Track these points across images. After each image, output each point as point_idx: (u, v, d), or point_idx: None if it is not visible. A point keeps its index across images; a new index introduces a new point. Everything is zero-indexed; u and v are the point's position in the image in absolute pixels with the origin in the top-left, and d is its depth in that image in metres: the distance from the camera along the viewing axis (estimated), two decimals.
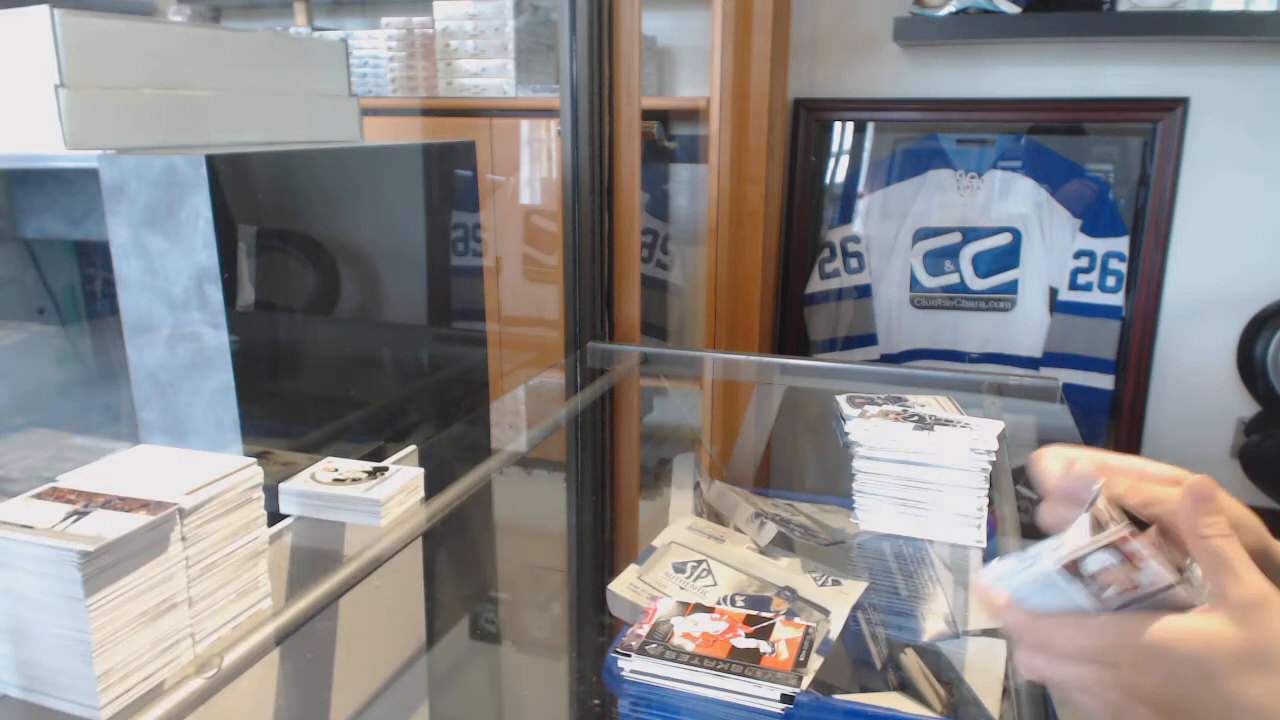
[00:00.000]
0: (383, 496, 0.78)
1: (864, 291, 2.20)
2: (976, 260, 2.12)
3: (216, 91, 0.94)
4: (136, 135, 0.86)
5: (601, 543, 1.06)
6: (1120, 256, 2.02)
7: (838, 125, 2.18)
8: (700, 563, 0.86)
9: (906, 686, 0.72)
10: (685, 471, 1.28)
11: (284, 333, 0.89)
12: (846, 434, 0.94)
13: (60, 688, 0.55)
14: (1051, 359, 2.09)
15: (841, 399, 1.08)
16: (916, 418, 0.94)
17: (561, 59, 1.39)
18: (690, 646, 0.66)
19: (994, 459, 0.88)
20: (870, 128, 2.16)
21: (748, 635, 0.68)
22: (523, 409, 1.38)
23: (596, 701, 0.69)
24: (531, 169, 2.06)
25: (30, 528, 0.54)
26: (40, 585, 0.53)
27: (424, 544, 0.86)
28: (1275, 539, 0.54)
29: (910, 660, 0.75)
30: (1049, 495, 0.51)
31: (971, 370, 2.10)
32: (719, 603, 0.79)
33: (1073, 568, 0.42)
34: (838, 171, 2.21)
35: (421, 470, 0.84)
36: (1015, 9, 1.85)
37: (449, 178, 1.18)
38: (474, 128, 2.07)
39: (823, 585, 0.82)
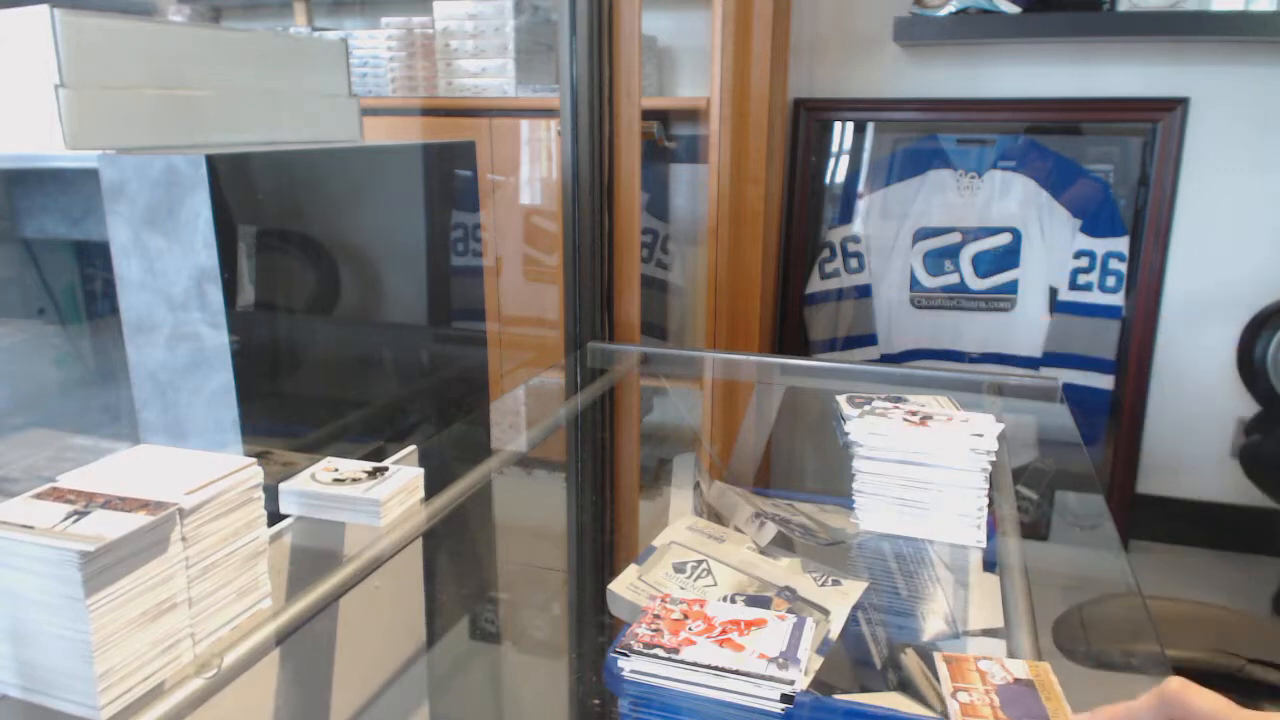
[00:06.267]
0: (383, 496, 0.78)
1: (864, 291, 2.20)
2: (976, 260, 2.12)
3: (216, 91, 0.94)
4: (136, 135, 0.86)
5: (601, 543, 1.06)
6: (1120, 256, 2.02)
7: (838, 125, 2.18)
8: (700, 563, 0.86)
9: (906, 686, 0.72)
10: (685, 471, 1.28)
11: (284, 333, 0.89)
12: (846, 434, 0.94)
13: (60, 688, 0.55)
14: (1051, 359, 2.09)
15: (841, 399, 1.08)
16: (916, 418, 0.94)
17: (561, 59, 1.39)
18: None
19: (994, 459, 0.87)
20: (870, 128, 2.16)
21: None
22: (523, 409, 1.38)
23: (596, 701, 0.69)
24: (531, 169, 2.06)
25: (30, 528, 0.54)
26: (40, 585, 0.53)
27: (424, 544, 0.86)
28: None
29: (910, 660, 0.75)
30: None
31: (971, 370, 2.10)
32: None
33: None
34: (838, 171, 2.21)
35: (421, 470, 0.84)
36: (1015, 9, 1.85)
37: (449, 178, 1.18)
38: (474, 128, 2.07)
39: (823, 585, 0.82)
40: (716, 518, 0.99)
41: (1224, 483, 2.08)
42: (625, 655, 0.65)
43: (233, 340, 0.80)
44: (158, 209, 0.79)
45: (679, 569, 0.85)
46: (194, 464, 0.64)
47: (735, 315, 1.98)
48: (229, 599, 0.64)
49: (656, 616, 0.70)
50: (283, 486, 0.80)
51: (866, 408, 0.98)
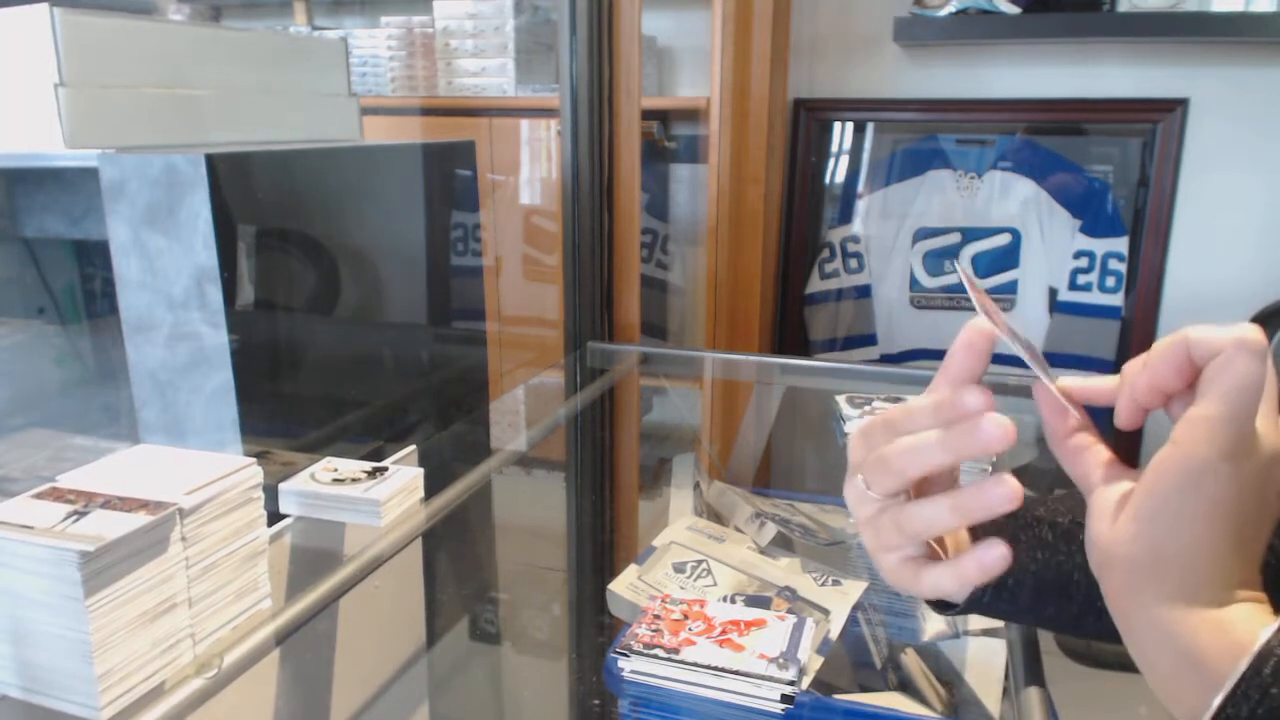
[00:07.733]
0: (383, 496, 0.78)
1: (864, 291, 2.20)
2: (976, 260, 2.12)
3: (216, 91, 0.94)
4: (136, 135, 0.86)
5: (601, 543, 1.06)
6: (1120, 257, 2.02)
7: (838, 125, 2.18)
8: (700, 563, 0.86)
9: (906, 686, 0.72)
10: (685, 471, 1.28)
11: (284, 332, 0.89)
12: (846, 434, 0.94)
13: (60, 688, 0.55)
14: (1051, 359, 2.09)
15: (841, 399, 1.08)
16: None
17: (561, 59, 1.39)
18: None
19: (994, 459, 0.88)
20: (870, 128, 2.16)
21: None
22: (522, 409, 1.38)
23: (596, 701, 0.69)
24: (531, 169, 2.06)
25: (30, 528, 0.54)
26: (40, 585, 0.53)
27: (424, 544, 0.86)
28: None
29: (910, 660, 0.75)
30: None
31: None
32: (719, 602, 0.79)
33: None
34: (838, 171, 2.21)
35: (421, 470, 0.84)
36: (1015, 9, 1.85)
37: (449, 177, 1.18)
38: (474, 128, 2.07)
39: (823, 585, 0.82)
40: (716, 518, 0.99)
41: None
42: (625, 655, 0.65)
43: (232, 340, 0.80)
44: (157, 208, 0.79)
45: (679, 569, 0.85)
46: (194, 464, 0.64)
47: (735, 315, 1.98)
48: (229, 599, 0.64)
49: (656, 616, 0.70)
50: (283, 486, 0.80)
51: (866, 408, 0.98)
